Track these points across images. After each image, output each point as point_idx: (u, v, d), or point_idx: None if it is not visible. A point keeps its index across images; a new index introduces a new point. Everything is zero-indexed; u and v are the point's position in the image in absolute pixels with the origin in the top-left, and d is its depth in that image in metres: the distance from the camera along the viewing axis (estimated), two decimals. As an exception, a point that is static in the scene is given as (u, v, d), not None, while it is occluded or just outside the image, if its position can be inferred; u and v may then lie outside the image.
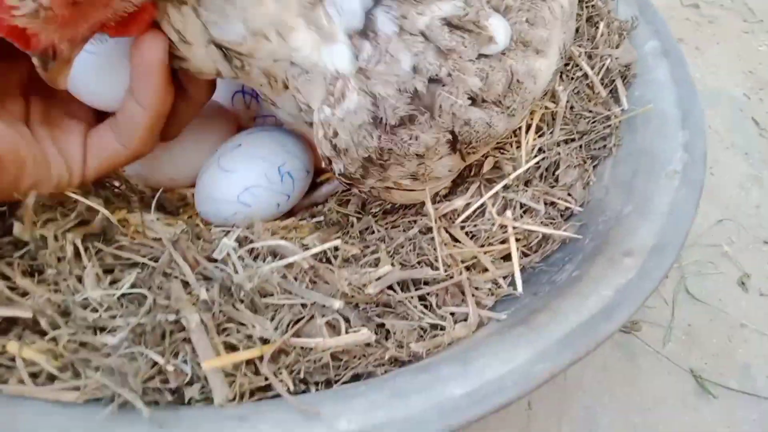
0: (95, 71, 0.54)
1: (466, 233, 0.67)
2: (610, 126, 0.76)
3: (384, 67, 0.48)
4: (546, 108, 0.78)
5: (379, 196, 0.61)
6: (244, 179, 0.65)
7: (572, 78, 0.80)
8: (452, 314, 0.59)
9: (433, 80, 0.49)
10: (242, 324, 0.50)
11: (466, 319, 0.58)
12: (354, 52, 0.49)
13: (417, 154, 0.53)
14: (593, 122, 0.77)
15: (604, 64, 0.81)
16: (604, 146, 0.76)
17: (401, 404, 0.45)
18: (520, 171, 0.71)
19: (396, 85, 0.49)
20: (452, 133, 0.53)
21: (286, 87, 0.53)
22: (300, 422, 0.43)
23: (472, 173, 0.73)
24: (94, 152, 0.56)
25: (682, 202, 0.61)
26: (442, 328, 0.57)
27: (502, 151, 0.75)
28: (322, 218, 0.72)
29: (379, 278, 0.57)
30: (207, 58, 0.50)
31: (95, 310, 0.49)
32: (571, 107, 0.78)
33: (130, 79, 0.52)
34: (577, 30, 0.85)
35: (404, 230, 0.65)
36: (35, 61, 0.42)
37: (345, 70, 0.49)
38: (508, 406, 0.44)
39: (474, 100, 0.52)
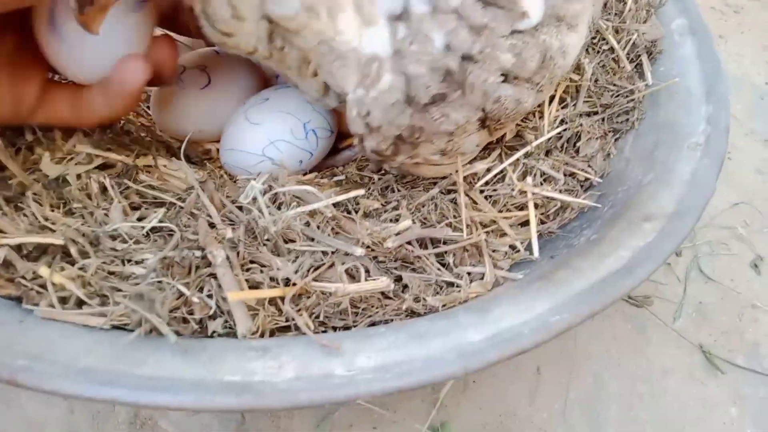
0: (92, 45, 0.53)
1: (486, 197, 0.67)
2: (633, 100, 0.76)
3: (417, 47, 0.48)
4: (571, 80, 0.78)
5: (408, 171, 0.61)
6: (270, 132, 0.65)
7: (598, 51, 0.80)
8: (469, 274, 0.59)
9: (466, 57, 0.49)
10: (265, 265, 0.51)
11: (482, 279, 0.59)
12: (392, 34, 0.49)
13: (447, 132, 0.53)
14: (617, 96, 0.77)
15: (630, 39, 0.80)
16: (627, 120, 0.76)
17: (420, 345, 0.46)
18: (542, 140, 0.71)
19: (429, 64, 0.49)
20: (483, 110, 0.52)
21: (316, 74, 0.54)
22: (319, 356, 0.44)
23: (495, 141, 0.73)
24: (52, 105, 0.56)
25: (703, 171, 0.61)
26: (458, 287, 0.58)
27: (524, 120, 0.75)
28: (343, 178, 0.73)
29: (398, 233, 0.58)
30: (252, 35, 0.50)
31: (124, 242, 0.51)
32: (596, 80, 0.78)
33: (105, 81, 0.53)
34: (605, 4, 0.85)
35: (425, 190, 0.66)
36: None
37: (383, 53, 0.49)
38: (525, 352, 0.45)
39: (506, 77, 0.52)
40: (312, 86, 0.58)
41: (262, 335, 0.48)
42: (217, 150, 0.73)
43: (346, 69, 0.52)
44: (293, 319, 0.48)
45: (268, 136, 0.66)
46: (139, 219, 0.54)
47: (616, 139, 0.75)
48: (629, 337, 0.76)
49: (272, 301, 0.50)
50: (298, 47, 0.51)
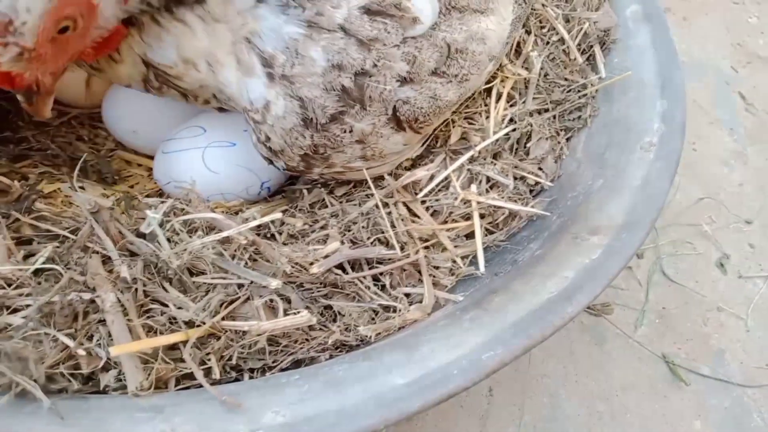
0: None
1: (428, 208, 0.62)
2: (586, 95, 0.71)
3: (300, 69, 0.48)
4: (518, 75, 0.73)
5: (335, 179, 0.58)
6: (225, 184, 0.61)
7: (547, 42, 0.75)
8: (407, 295, 0.55)
9: (360, 74, 0.49)
10: (166, 305, 0.46)
11: (421, 301, 0.54)
12: (266, 86, 0.49)
13: (357, 141, 0.52)
14: (568, 91, 0.72)
15: (581, 29, 0.75)
16: (579, 117, 0.71)
17: (336, 394, 0.41)
18: (487, 142, 0.66)
19: (322, 86, 0.48)
20: (394, 112, 0.52)
21: (207, 102, 0.55)
22: (220, 415, 0.39)
23: (438, 144, 0.68)
24: None
25: (656, 176, 0.57)
26: (396, 310, 0.53)
27: (470, 121, 0.70)
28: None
29: (325, 256, 0.53)
30: (125, 75, 0.51)
31: (3, 287, 0.45)
32: (546, 75, 0.73)
33: None
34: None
35: (359, 204, 0.60)
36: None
37: (257, 103, 0.50)
38: (453, 396, 0.40)
39: (404, 81, 0.51)
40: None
41: (163, 386, 0.43)
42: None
43: (236, 105, 0.53)
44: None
45: (220, 187, 0.60)
46: (28, 256, 0.48)
47: (567, 139, 0.70)
48: (587, 351, 0.72)
49: (175, 346, 0.45)
50: (180, 88, 0.52)
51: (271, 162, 0.53)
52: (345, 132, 0.51)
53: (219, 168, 0.59)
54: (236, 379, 0.46)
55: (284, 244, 0.55)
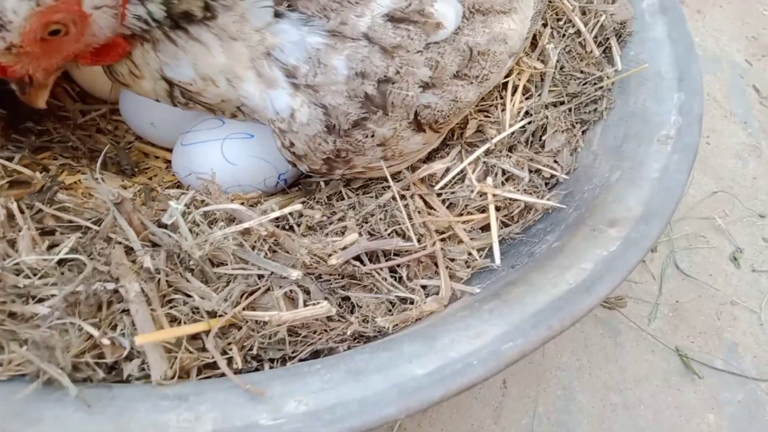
0: None
1: (444, 201, 0.62)
2: (602, 88, 0.71)
3: (322, 78, 0.49)
4: (534, 68, 0.72)
5: (356, 177, 0.59)
6: (243, 176, 0.61)
7: (564, 35, 0.75)
8: (424, 287, 0.55)
9: (383, 81, 0.49)
10: (189, 295, 0.46)
11: (438, 293, 0.54)
12: (291, 95, 0.50)
13: (378, 144, 0.52)
14: (584, 84, 0.72)
15: (598, 21, 0.75)
16: (595, 110, 0.71)
17: (358, 383, 0.41)
18: (502, 135, 0.66)
19: (345, 93, 0.49)
20: (415, 116, 0.52)
21: (234, 116, 0.56)
22: (243, 403, 0.39)
23: (455, 137, 0.68)
24: None
25: (674, 168, 0.57)
26: (413, 302, 0.53)
27: (486, 114, 0.70)
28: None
29: (344, 248, 0.53)
30: (150, 90, 0.52)
31: (29, 277, 0.45)
32: (562, 67, 0.73)
33: None
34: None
35: (376, 196, 0.61)
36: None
37: (283, 112, 0.50)
38: (473, 386, 0.41)
39: (426, 87, 0.51)
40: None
41: (188, 375, 0.44)
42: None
43: (260, 116, 0.54)
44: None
45: (238, 179, 0.61)
46: (51, 246, 0.48)
47: (583, 131, 0.70)
48: (601, 344, 0.72)
49: (197, 336, 0.45)
50: (203, 102, 0.53)
51: (294, 165, 0.54)
52: (367, 137, 0.51)
53: (237, 159, 0.60)
54: (257, 369, 0.46)
55: (303, 235, 0.55)
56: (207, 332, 0.44)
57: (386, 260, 0.55)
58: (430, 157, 0.66)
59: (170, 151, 0.65)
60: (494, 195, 0.61)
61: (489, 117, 0.69)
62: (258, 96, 0.51)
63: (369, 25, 0.48)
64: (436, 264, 0.56)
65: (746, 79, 1.07)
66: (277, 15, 0.48)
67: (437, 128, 0.56)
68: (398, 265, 0.55)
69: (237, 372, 0.44)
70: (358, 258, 0.54)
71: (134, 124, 0.66)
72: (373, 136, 0.51)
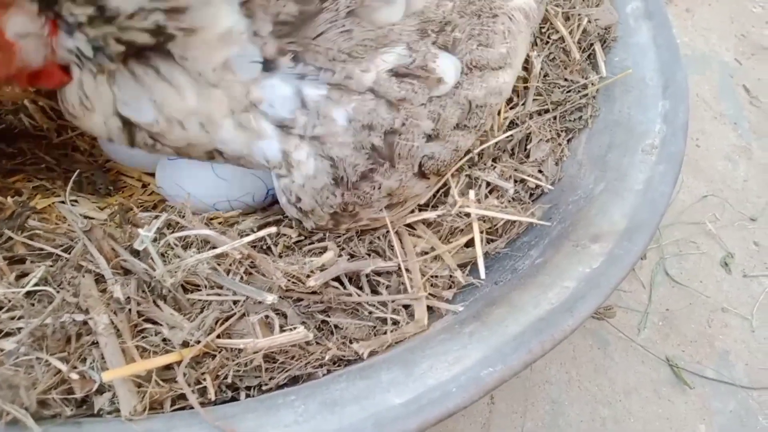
0: None
1: (424, 220, 0.61)
2: (586, 95, 0.70)
3: (322, 129, 0.48)
4: (518, 78, 0.71)
5: (362, 229, 0.58)
6: (232, 191, 0.60)
7: (547, 42, 0.74)
8: (406, 307, 0.54)
9: (389, 132, 0.50)
10: (161, 324, 0.45)
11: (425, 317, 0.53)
12: (281, 137, 0.49)
13: (385, 195, 0.53)
14: (568, 92, 0.71)
15: (581, 26, 0.74)
16: (580, 117, 0.69)
17: (333, 416, 0.40)
18: (487, 145, 0.65)
19: (352, 145, 0.49)
20: (420, 167, 0.53)
21: (212, 157, 0.53)
22: (215, 439, 0.38)
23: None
24: None
25: (658, 179, 0.56)
26: (395, 323, 0.52)
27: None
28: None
29: (322, 268, 0.52)
30: (102, 126, 0.50)
31: (-5, 311, 0.44)
32: (545, 75, 0.72)
33: None
34: (553, -10, 0.78)
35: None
36: None
37: (275, 159, 0.50)
38: (452, 415, 0.40)
39: (430, 138, 0.52)
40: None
41: (158, 407, 0.43)
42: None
43: (248, 163, 0.52)
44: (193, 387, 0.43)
45: (228, 194, 0.60)
46: (21, 276, 0.47)
47: (569, 140, 0.69)
48: (590, 355, 0.71)
49: (170, 366, 0.44)
50: (170, 146, 0.50)
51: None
52: (374, 189, 0.51)
53: (228, 175, 0.59)
54: (233, 398, 0.45)
55: (280, 255, 0.54)
56: (179, 363, 0.43)
57: (367, 281, 0.54)
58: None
59: (147, 172, 0.64)
60: (478, 216, 0.60)
61: (473, 127, 0.68)
62: (241, 143, 0.49)
63: (374, 79, 0.48)
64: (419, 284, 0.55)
65: (736, 79, 1.06)
66: (267, 69, 0.47)
67: (440, 174, 0.57)
68: (378, 287, 0.54)
69: (211, 402, 0.43)
70: (338, 280, 0.53)
71: (110, 150, 0.65)
72: (380, 188, 0.51)
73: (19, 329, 0.43)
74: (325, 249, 0.55)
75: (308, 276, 0.51)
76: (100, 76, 0.46)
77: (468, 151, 0.66)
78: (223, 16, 0.44)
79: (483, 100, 0.55)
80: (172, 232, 0.52)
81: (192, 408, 0.42)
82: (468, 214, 0.59)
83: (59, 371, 0.41)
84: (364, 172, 0.50)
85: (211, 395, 0.43)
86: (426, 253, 0.57)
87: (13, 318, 0.44)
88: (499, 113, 0.70)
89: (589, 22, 0.74)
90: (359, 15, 0.48)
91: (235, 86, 0.47)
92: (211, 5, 0.44)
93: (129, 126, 0.49)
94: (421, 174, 0.54)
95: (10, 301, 0.45)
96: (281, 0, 0.46)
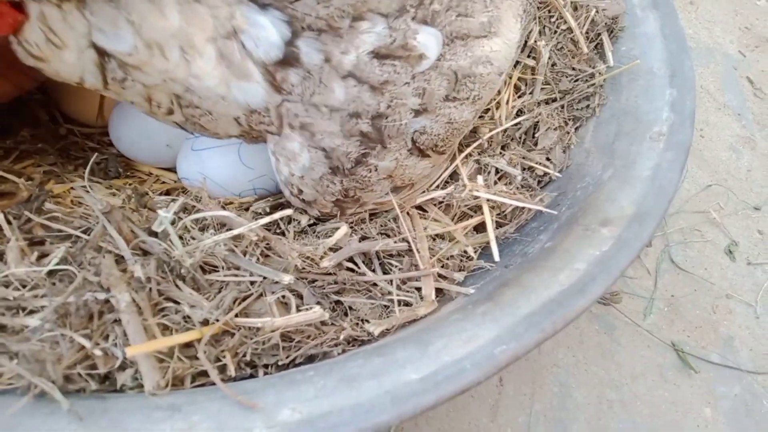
0: None
1: (438, 203, 0.62)
2: (594, 84, 0.71)
3: (319, 98, 0.48)
4: (525, 66, 0.72)
5: (372, 211, 0.58)
6: (257, 179, 0.61)
7: (555, 32, 0.75)
8: (418, 289, 0.55)
9: (376, 117, 0.49)
10: (181, 303, 0.46)
11: (432, 294, 0.54)
12: (269, 88, 0.47)
13: (385, 177, 0.53)
14: (576, 81, 0.72)
15: (589, 16, 0.75)
16: (588, 106, 0.70)
17: (351, 390, 0.41)
18: (493, 132, 0.66)
19: (341, 134, 0.49)
20: (414, 143, 0.53)
21: (171, 113, 0.49)
22: (237, 412, 0.39)
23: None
24: None
25: (666, 166, 0.57)
26: (407, 304, 0.53)
27: (481, 115, 0.70)
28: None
29: (334, 249, 0.53)
30: (74, 64, 0.44)
31: (18, 289, 0.45)
32: (553, 64, 0.73)
33: None
34: (561, -20, 0.78)
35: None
36: None
37: (258, 106, 0.48)
38: (466, 391, 0.41)
39: (418, 113, 0.52)
40: (168, 123, 0.53)
41: (182, 383, 0.44)
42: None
43: (216, 122, 0.49)
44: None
45: (255, 182, 0.61)
46: (41, 257, 0.48)
47: (576, 128, 0.70)
48: (597, 340, 0.73)
49: (190, 344, 0.45)
50: (142, 82, 0.46)
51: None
52: (371, 172, 0.52)
53: (254, 163, 0.60)
54: (251, 375, 0.46)
55: (294, 238, 0.55)
56: (200, 340, 0.44)
57: (380, 263, 0.55)
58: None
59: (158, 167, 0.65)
60: (488, 200, 0.61)
61: (482, 118, 0.69)
62: (217, 80, 0.45)
63: (354, 63, 0.48)
64: (430, 266, 0.56)
65: (739, 71, 1.07)
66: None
67: (440, 151, 0.56)
68: (391, 269, 0.55)
69: (231, 379, 0.44)
70: (351, 260, 0.54)
71: (122, 146, 0.65)
72: (377, 170, 0.52)
73: (43, 307, 0.44)
74: (337, 229, 0.56)
75: (322, 257, 0.52)
76: (67, 3, 0.41)
77: (475, 134, 0.66)
78: None
79: (469, 69, 0.54)
80: (189, 215, 0.53)
81: (212, 384, 0.43)
82: (477, 198, 0.60)
83: (83, 347, 0.42)
84: (357, 158, 0.50)
85: (231, 372, 0.44)
86: (438, 236, 0.58)
87: (36, 296, 0.44)
88: (507, 102, 0.71)
89: (597, 12, 0.75)
90: None
91: (220, 6, 0.44)
92: None
93: (105, 58, 0.44)
94: (419, 151, 0.53)
95: (32, 280, 0.45)
96: None
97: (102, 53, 0.44)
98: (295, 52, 0.47)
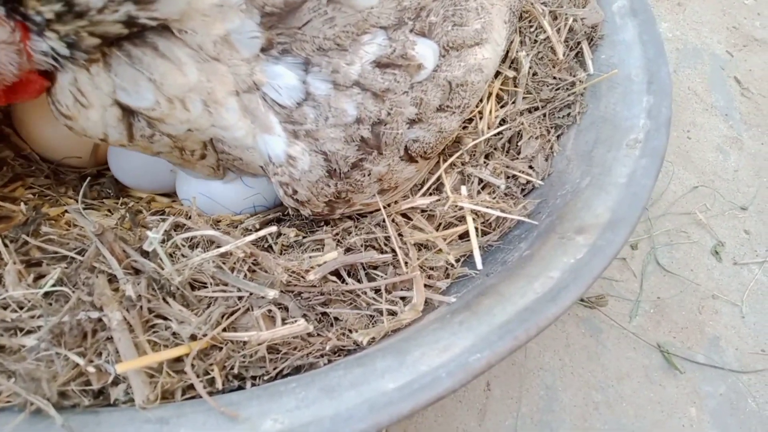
0: None
1: (422, 211, 0.64)
2: (574, 93, 0.72)
3: (334, 120, 0.50)
4: (505, 78, 0.74)
5: (356, 213, 0.61)
6: (257, 198, 0.64)
7: (535, 41, 0.76)
8: (403, 299, 0.56)
9: (376, 123, 0.52)
10: (170, 320, 0.48)
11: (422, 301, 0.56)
12: (287, 138, 0.50)
13: (375, 181, 0.55)
14: (557, 89, 0.73)
15: (568, 24, 0.76)
16: (569, 114, 0.72)
17: (331, 400, 0.43)
18: (476, 141, 0.67)
19: (343, 139, 0.51)
20: (406, 150, 0.55)
21: (203, 157, 0.53)
22: (222, 424, 0.41)
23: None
24: None
25: (641, 173, 0.58)
26: (392, 313, 0.55)
27: (464, 125, 0.72)
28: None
29: (321, 264, 0.55)
30: (99, 122, 0.48)
31: (15, 311, 0.47)
32: (534, 74, 0.75)
33: None
34: (541, -12, 0.80)
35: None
36: None
37: (278, 159, 0.51)
38: (442, 399, 0.42)
39: (413, 123, 0.55)
40: (202, 168, 0.56)
41: (170, 396, 0.46)
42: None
43: (250, 161, 0.53)
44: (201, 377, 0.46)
45: (255, 201, 0.63)
46: (38, 278, 0.50)
47: (558, 136, 0.71)
48: (583, 343, 0.74)
49: (180, 359, 0.47)
50: (167, 134, 0.49)
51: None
52: (365, 176, 0.54)
53: (255, 183, 0.62)
54: (239, 387, 0.48)
55: (281, 252, 0.57)
56: (188, 355, 0.46)
57: (365, 274, 0.57)
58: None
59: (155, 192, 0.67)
60: (471, 210, 0.63)
61: (466, 128, 0.71)
62: (244, 131, 0.50)
63: (359, 72, 0.50)
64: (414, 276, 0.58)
65: (727, 71, 1.08)
66: (264, 50, 0.48)
67: (427, 157, 0.59)
68: (376, 278, 0.57)
69: (219, 392, 0.46)
70: (336, 273, 0.56)
71: (124, 178, 0.67)
72: (370, 174, 0.54)
73: (39, 327, 0.46)
74: (322, 244, 0.58)
75: (307, 271, 0.54)
76: (95, 66, 0.44)
77: (459, 145, 0.68)
78: None
79: (463, 78, 0.57)
80: (179, 233, 0.55)
81: (201, 398, 0.45)
82: (461, 208, 0.62)
83: (77, 365, 0.44)
84: (354, 162, 0.53)
85: (219, 385, 0.46)
86: (422, 245, 0.60)
87: (33, 317, 0.47)
88: (490, 112, 0.72)
89: (576, 21, 0.77)
90: (340, 1, 0.49)
91: (240, 65, 0.48)
92: None
93: (128, 115, 0.48)
94: (409, 157, 0.56)
95: (29, 301, 0.48)
96: None
97: (126, 110, 0.47)
98: (309, 90, 0.50)
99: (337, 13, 0.49)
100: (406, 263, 0.57)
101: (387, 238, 0.59)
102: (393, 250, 0.58)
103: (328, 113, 0.50)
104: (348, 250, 0.58)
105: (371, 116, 0.52)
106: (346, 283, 0.56)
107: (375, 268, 0.58)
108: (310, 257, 0.55)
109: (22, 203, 0.57)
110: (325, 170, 0.52)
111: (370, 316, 0.55)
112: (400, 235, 0.59)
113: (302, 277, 0.53)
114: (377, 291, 0.56)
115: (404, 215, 0.63)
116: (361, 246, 0.58)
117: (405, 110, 0.53)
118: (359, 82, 0.51)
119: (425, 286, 0.57)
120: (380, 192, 0.58)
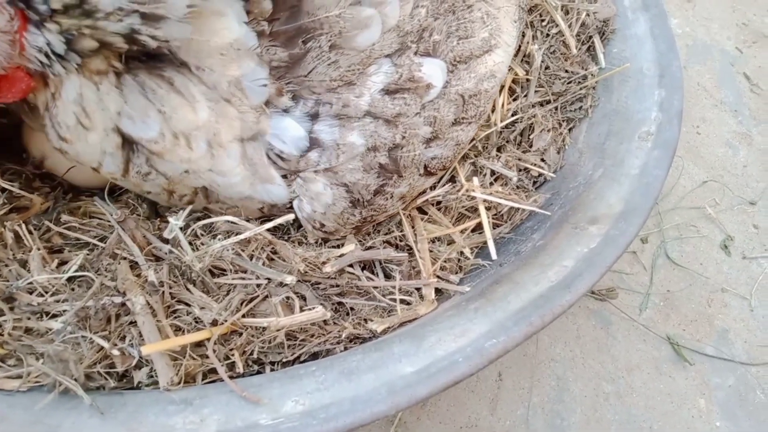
0: None
1: (436, 204, 0.64)
2: (586, 86, 0.73)
3: (345, 156, 0.52)
4: (516, 74, 0.74)
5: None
6: None
7: (547, 35, 0.77)
8: (418, 289, 0.57)
9: (392, 148, 0.53)
10: (191, 305, 0.49)
11: (432, 294, 0.56)
12: (285, 189, 0.52)
13: (398, 200, 0.57)
14: (569, 83, 0.74)
15: (580, 18, 0.77)
16: (581, 108, 0.73)
17: (350, 383, 0.44)
18: (489, 131, 0.68)
19: (362, 169, 0.52)
20: (425, 168, 0.57)
21: (191, 203, 0.52)
22: (244, 405, 0.42)
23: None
24: None
25: (653, 164, 0.59)
26: (407, 303, 0.56)
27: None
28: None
29: (337, 257, 0.56)
30: (97, 147, 0.46)
31: (41, 295, 0.48)
32: (546, 67, 0.75)
33: None
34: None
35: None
36: None
37: (281, 202, 0.52)
38: (458, 382, 0.43)
39: (429, 141, 0.56)
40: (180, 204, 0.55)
41: (194, 379, 0.47)
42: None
43: (242, 212, 0.53)
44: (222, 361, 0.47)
45: None
46: (61, 264, 0.52)
47: (570, 129, 0.72)
48: (593, 335, 0.75)
49: (201, 343, 0.48)
50: (163, 174, 0.48)
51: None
52: (387, 199, 0.55)
53: None
54: (258, 372, 0.49)
55: (299, 244, 0.58)
56: (209, 339, 0.47)
57: (380, 266, 0.58)
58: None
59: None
60: (484, 200, 0.63)
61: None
62: (240, 178, 0.49)
63: (369, 102, 0.51)
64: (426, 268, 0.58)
65: (736, 67, 1.08)
66: (274, 98, 0.49)
67: (446, 168, 0.61)
68: (392, 271, 0.58)
69: (239, 375, 0.47)
70: (352, 266, 0.57)
71: None
72: (392, 197, 0.55)
73: (64, 311, 0.47)
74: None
75: (324, 263, 0.55)
76: (106, 83, 0.43)
77: (472, 139, 0.69)
78: (224, 28, 0.45)
79: (475, 89, 0.58)
80: (186, 228, 0.55)
81: (222, 381, 0.46)
82: (473, 198, 0.63)
83: (102, 348, 0.45)
84: (376, 189, 0.54)
85: (240, 369, 0.47)
86: (437, 238, 0.61)
87: (57, 301, 0.48)
88: (502, 105, 0.73)
89: (588, 15, 0.77)
90: (341, 45, 0.50)
91: (247, 110, 0.48)
92: (203, 16, 0.43)
93: (128, 146, 0.46)
94: (428, 173, 0.57)
95: (53, 286, 0.49)
96: (271, 49, 0.48)
97: (128, 141, 0.46)
98: (314, 137, 0.51)
99: (340, 57, 0.50)
100: (422, 260, 0.58)
101: (404, 236, 0.60)
102: (409, 246, 0.59)
103: (338, 151, 0.51)
104: (369, 248, 0.59)
105: (386, 142, 0.53)
106: (360, 279, 0.56)
107: (390, 261, 0.59)
108: (328, 250, 0.56)
109: (43, 191, 0.58)
110: (349, 201, 0.53)
111: (384, 307, 0.56)
112: (414, 232, 0.60)
113: (319, 268, 0.54)
114: (393, 285, 0.57)
115: (419, 209, 0.64)
116: (381, 243, 0.59)
117: (419, 131, 0.54)
118: (370, 111, 0.52)
119: (439, 278, 0.58)
120: (401, 202, 0.59)
